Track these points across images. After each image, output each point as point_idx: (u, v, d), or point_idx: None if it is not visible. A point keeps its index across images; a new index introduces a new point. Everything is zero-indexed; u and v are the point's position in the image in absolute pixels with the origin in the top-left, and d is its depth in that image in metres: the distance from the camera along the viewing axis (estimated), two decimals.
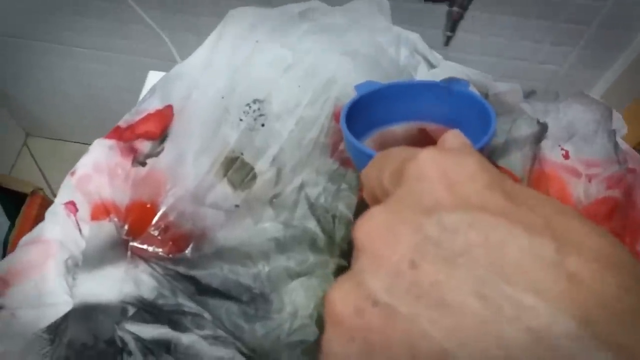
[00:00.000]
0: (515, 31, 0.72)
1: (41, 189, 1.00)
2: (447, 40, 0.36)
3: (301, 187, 0.41)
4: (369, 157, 0.35)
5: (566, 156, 0.44)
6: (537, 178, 0.43)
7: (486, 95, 0.45)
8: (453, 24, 0.35)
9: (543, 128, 0.45)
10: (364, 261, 0.17)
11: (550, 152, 0.44)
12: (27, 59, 0.91)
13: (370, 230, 0.18)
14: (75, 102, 1.05)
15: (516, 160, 0.43)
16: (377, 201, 0.22)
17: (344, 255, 0.39)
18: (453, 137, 0.23)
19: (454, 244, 0.16)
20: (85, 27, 0.78)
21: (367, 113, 0.40)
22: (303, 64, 0.45)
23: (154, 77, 0.51)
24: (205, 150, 0.40)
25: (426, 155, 0.19)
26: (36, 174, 1.21)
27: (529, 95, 0.47)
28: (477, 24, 0.70)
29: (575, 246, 0.15)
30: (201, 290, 0.36)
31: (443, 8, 0.52)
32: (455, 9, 0.34)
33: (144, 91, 0.50)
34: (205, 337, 0.35)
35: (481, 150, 0.35)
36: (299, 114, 0.43)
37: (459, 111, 0.39)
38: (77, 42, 0.83)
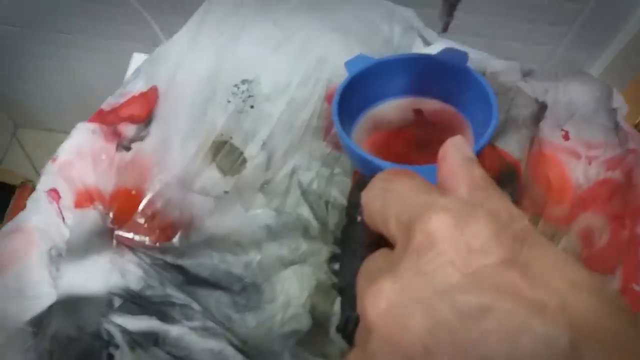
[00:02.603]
0: (510, 11, 0.70)
1: (30, 181, 0.98)
2: (446, 26, 0.34)
3: (293, 172, 0.40)
4: (362, 158, 0.33)
5: (566, 137, 0.42)
6: (535, 160, 0.41)
7: (483, 74, 0.43)
8: (450, 7, 0.33)
9: (542, 108, 0.43)
10: (375, 343, 0.17)
11: (550, 133, 0.42)
12: (11, 47, 0.89)
13: (380, 309, 0.18)
14: (64, 91, 1.02)
15: (514, 141, 0.42)
16: (377, 228, 0.22)
17: (338, 243, 0.38)
18: (454, 149, 0.22)
19: (468, 330, 0.16)
20: (70, 12, 0.76)
21: (360, 91, 0.39)
22: (293, 42, 0.43)
23: (138, 59, 0.49)
24: (192, 133, 0.39)
25: (438, 224, 0.18)
26: (27, 166, 1.19)
27: (527, 74, 0.45)
28: (471, 3, 0.69)
29: (590, 334, 0.15)
30: (190, 280, 0.35)
31: None
32: None
33: (129, 73, 0.48)
34: (194, 329, 0.33)
35: (482, 148, 0.33)
36: (290, 95, 0.41)
37: (456, 85, 0.37)
38: (62, 27, 0.80)
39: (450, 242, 0.18)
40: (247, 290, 0.35)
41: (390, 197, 0.21)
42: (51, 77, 0.98)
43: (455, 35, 0.47)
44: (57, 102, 1.08)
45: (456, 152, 0.22)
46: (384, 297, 0.18)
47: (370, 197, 0.23)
